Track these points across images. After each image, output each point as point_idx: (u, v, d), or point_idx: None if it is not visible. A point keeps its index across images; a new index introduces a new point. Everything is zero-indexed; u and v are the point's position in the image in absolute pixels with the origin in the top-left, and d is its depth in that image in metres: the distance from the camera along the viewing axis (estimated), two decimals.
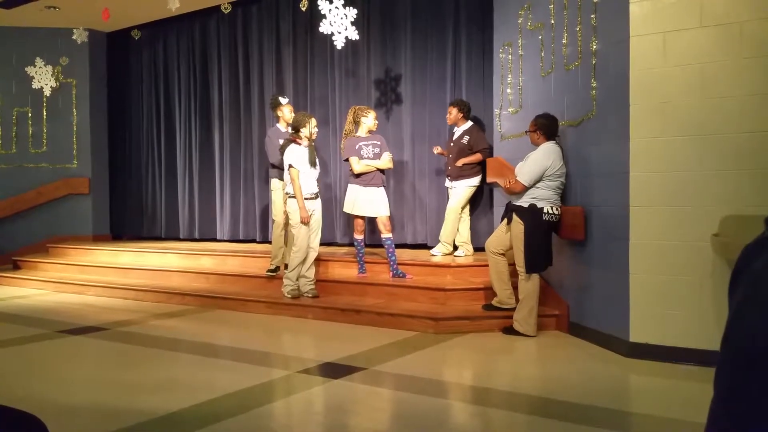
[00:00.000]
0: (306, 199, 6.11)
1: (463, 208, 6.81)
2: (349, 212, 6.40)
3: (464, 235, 6.90)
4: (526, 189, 4.98)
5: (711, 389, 0.69)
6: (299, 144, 6.12)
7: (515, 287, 5.23)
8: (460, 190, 6.74)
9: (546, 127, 5.06)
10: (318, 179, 6.34)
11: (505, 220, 5.23)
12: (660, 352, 4.32)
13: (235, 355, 4.84)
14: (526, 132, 5.29)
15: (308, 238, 6.17)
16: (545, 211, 4.96)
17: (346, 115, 8.35)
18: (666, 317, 4.34)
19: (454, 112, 6.73)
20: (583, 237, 4.97)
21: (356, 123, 6.39)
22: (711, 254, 4.16)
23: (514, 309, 5.18)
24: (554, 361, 4.55)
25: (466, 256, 6.78)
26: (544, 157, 4.97)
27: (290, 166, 6.07)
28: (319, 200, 6.32)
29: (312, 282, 6.30)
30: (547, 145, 5.03)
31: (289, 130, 6.44)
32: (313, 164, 6.14)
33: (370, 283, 6.32)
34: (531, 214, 4.97)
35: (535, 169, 4.95)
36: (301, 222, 6.05)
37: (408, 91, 7.95)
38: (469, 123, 6.83)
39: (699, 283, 4.24)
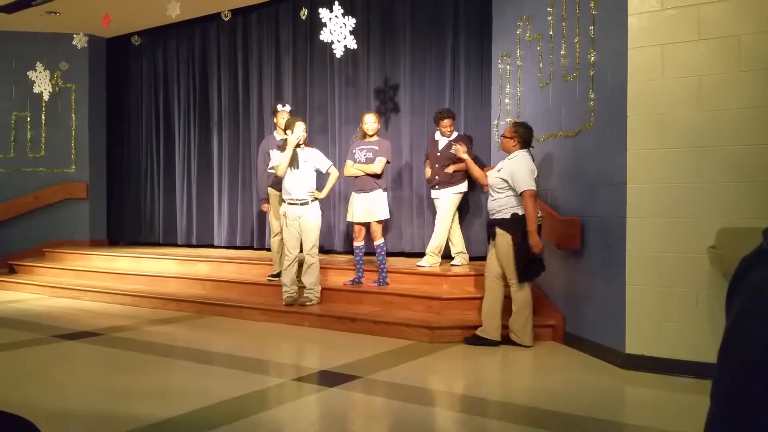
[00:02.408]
0: (290, 203, 6.16)
1: (453, 216, 6.79)
2: (348, 219, 6.41)
3: (459, 245, 6.88)
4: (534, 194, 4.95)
5: (707, 401, 0.69)
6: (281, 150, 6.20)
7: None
8: (449, 197, 6.70)
9: (524, 136, 5.05)
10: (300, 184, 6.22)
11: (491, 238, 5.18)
12: (655, 364, 4.32)
13: (230, 362, 4.82)
14: (500, 137, 5.26)
15: (290, 244, 6.17)
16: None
17: (345, 123, 8.43)
18: (662, 329, 4.34)
19: (450, 123, 6.74)
20: (579, 247, 4.97)
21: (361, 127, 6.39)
22: (707, 266, 4.17)
23: (497, 343, 5.07)
24: (549, 371, 4.54)
25: (462, 265, 6.77)
26: (530, 162, 4.98)
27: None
28: (307, 207, 6.19)
29: (311, 292, 6.26)
30: (524, 152, 5.04)
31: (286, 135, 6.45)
32: (293, 166, 6.11)
33: (367, 291, 6.31)
34: (516, 223, 4.94)
35: (530, 174, 4.93)
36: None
37: (406, 101, 7.97)
38: (456, 132, 6.84)
39: (695, 295, 4.24)
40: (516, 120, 6.15)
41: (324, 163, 6.31)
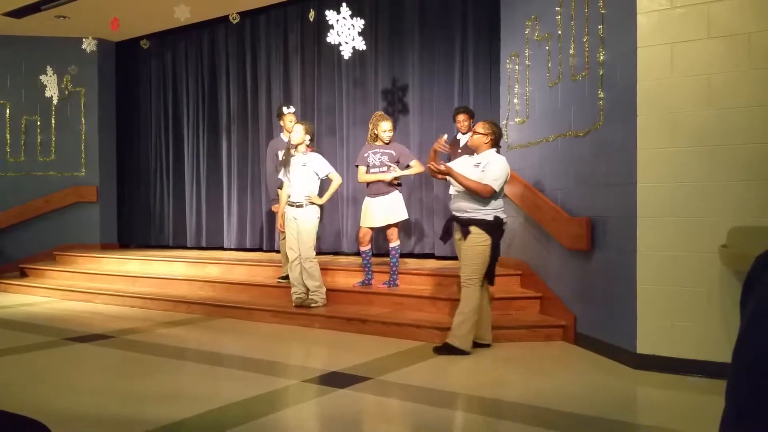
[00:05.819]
0: (289, 204, 6.23)
1: None
2: (361, 225, 6.36)
3: None
4: (492, 196, 4.75)
5: (719, 401, 0.69)
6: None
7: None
8: None
9: (497, 135, 4.89)
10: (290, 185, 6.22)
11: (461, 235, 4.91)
12: (667, 364, 4.30)
13: (240, 364, 4.83)
14: (472, 133, 5.01)
15: (289, 244, 6.23)
16: (504, 221, 4.87)
17: (353, 125, 8.43)
18: (674, 329, 4.31)
19: (465, 119, 6.70)
20: (588, 247, 4.95)
21: (374, 132, 6.29)
22: (719, 265, 4.14)
23: (466, 354, 4.82)
24: (561, 372, 4.53)
25: None
26: (506, 164, 4.83)
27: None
28: (302, 210, 6.15)
29: (315, 293, 6.23)
30: (494, 151, 4.91)
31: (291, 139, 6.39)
32: (286, 169, 6.21)
33: (377, 292, 6.31)
34: (498, 228, 4.81)
35: (504, 175, 4.76)
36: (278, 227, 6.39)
37: (415, 101, 7.97)
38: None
39: (707, 294, 4.22)
40: (525, 120, 6.14)
41: (322, 169, 6.24)
